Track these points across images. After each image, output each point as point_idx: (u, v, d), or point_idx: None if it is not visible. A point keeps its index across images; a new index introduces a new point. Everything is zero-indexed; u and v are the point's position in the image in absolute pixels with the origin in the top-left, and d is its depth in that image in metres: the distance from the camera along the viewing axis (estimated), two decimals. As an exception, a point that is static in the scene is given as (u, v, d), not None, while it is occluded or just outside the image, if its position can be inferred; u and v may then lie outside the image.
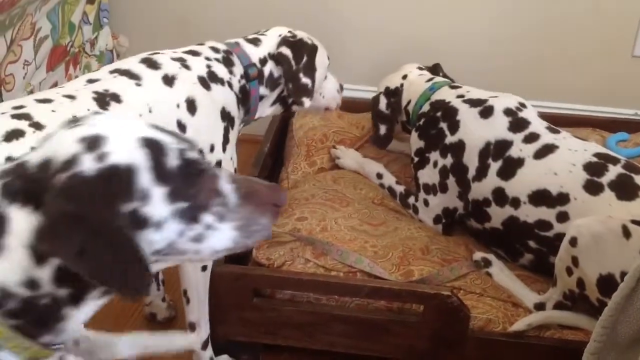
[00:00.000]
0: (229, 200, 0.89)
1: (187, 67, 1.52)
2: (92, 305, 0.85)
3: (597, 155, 1.74)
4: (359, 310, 1.71)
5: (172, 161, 0.83)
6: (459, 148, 1.89)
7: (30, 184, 0.79)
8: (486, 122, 1.86)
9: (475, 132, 1.86)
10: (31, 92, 2.12)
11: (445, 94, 2.00)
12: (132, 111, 1.37)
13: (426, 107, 2.02)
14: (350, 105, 2.49)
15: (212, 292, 1.65)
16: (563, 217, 1.69)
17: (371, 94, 2.48)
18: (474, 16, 2.54)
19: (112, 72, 1.45)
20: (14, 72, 2.02)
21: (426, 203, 1.97)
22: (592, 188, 1.67)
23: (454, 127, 1.91)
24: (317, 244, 1.78)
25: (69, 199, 0.76)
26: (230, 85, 1.59)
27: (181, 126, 1.45)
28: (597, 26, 2.49)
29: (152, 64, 1.48)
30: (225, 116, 1.57)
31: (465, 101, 1.93)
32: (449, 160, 1.91)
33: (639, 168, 1.71)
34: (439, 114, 1.96)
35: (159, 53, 1.53)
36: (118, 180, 0.78)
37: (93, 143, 0.80)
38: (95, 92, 1.35)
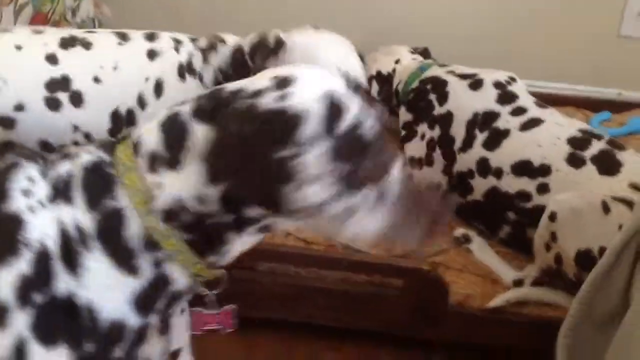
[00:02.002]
0: (392, 187, 0.88)
1: (177, 50, 1.52)
2: (251, 236, 0.90)
3: (581, 130, 1.76)
4: (339, 283, 1.72)
5: (346, 122, 0.84)
6: (447, 119, 1.89)
7: (217, 104, 0.85)
8: (475, 93, 1.88)
9: (464, 102, 1.88)
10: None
11: (436, 71, 2.01)
12: (94, 60, 1.43)
13: (416, 84, 2.03)
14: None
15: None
16: (543, 189, 1.70)
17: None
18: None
19: (112, 32, 1.51)
20: (-7, 38, 1.98)
21: None
22: (575, 161, 1.68)
23: (444, 98, 1.91)
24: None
25: (240, 124, 0.81)
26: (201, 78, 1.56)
27: (141, 102, 1.45)
28: (584, 6, 2.48)
29: (149, 36, 1.51)
30: None
31: (456, 75, 1.94)
32: (436, 132, 1.91)
33: (622, 145, 1.72)
34: (429, 86, 1.97)
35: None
36: (286, 122, 0.81)
37: (283, 82, 0.85)
38: (71, 36, 1.45)
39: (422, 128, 1.95)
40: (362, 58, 2.02)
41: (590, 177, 1.64)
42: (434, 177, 1.94)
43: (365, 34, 2.48)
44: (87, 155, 0.88)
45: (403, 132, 2.02)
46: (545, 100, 2.01)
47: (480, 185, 1.82)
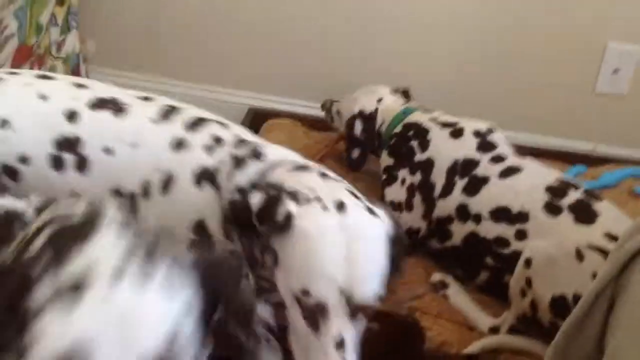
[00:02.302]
0: None
1: (210, 150, 1.31)
2: None
3: (559, 180, 1.80)
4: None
5: None
6: (427, 166, 1.92)
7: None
8: (456, 142, 1.92)
9: (445, 150, 1.91)
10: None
11: (418, 117, 2.04)
12: (116, 129, 1.31)
13: (398, 129, 2.05)
14: (316, 123, 2.51)
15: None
16: (521, 235, 1.72)
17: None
18: (440, 48, 2.58)
19: (157, 104, 1.37)
20: (-24, 69, 1.98)
21: None
22: (552, 209, 1.71)
23: (425, 145, 1.94)
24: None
25: None
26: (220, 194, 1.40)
27: (146, 191, 1.28)
28: (561, 61, 2.55)
29: (192, 123, 1.32)
30: None
31: (437, 123, 1.98)
32: (417, 178, 1.93)
33: (599, 196, 1.75)
34: (410, 132, 2.00)
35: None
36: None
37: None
38: (109, 98, 1.35)
39: (403, 173, 1.97)
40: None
41: (566, 226, 1.66)
42: (414, 222, 1.95)
43: (345, 73, 2.55)
44: None
45: (384, 176, 2.04)
46: (521, 151, 2.05)
47: (459, 231, 1.84)
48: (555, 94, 2.59)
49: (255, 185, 1.18)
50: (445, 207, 1.87)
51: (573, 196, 1.72)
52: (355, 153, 2.17)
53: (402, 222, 1.94)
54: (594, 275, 1.34)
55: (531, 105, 2.61)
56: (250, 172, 1.22)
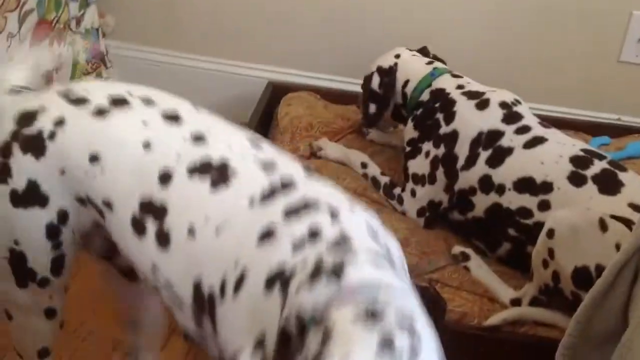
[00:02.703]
0: None
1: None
2: None
3: (584, 150, 1.77)
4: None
5: None
6: (452, 138, 1.90)
7: None
8: (481, 113, 1.89)
9: (470, 122, 1.89)
10: (13, 65, 2.09)
11: (446, 83, 2.00)
12: (206, 205, 1.06)
13: (426, 96, 2.01)
14: (336, 97, 2.50)
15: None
16: (544, 206, 1.71)
17: (357, 86, 2.48)
18: (462, 16, 2.55)
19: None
20: (-3, 44, 1.99)
21: (413, 193, 1.97)
22: (576, 180, 1.69)
23: (450, 118, 1.92)
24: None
25: None
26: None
27: (223, 290, 1.02)
28: (584, 30, 2.50)
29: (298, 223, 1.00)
30: None
31: (464, 93, 1.95)
32: (441, 151, 1.92)
33: (624, 167, 1.73)
34: (437, 104, 1.97)
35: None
36: None
37: None
38: (219, 162, 1.09)
39: (427, 146, 1.95)
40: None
41: (590, 196, 1.65)
42: (436, 195, 1.94)
43: (365, 44, 2.52)
44: None
45: (408, 148, 2.02)
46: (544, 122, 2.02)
47: (482, 202, 1.83)
48: (579, 64, 2.55)
49: (315, 320, 0.86)
50: (468, 178, 1.85)
51: (598, 166, 1.70)
52: (372, 108, 2.13)
53: (424, 194, 1.96)
54: (618, 246, 1.33)
55: (554, 75, 2.57)
56: (318, 294, 0.89)
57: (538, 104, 2.51)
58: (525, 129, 1.84)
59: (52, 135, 1.14)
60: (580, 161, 1.72)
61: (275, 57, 2.66)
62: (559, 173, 1.71)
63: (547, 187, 1.71)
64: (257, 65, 2.67)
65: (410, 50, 2.19)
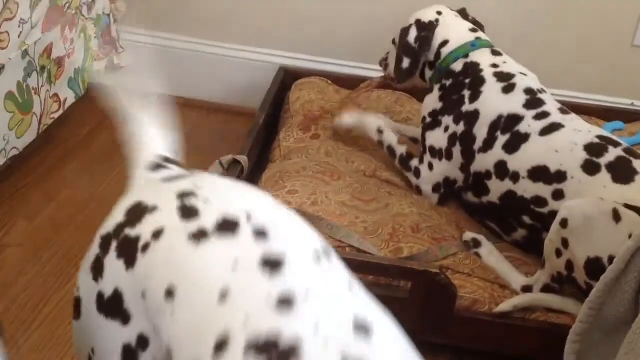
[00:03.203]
0: None
1: None
2: None
3: (599, 137, 1.75)
4: (347, 284, 1.71)
5: None
6: (473, 117, 1.89)
7: None
8: (505, 97, 1.87)
9: (492, 104, 1.87)
10: (25, 51, 2.10)
11: (483, 58, 1.96)
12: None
13: (458, 65, 1.96)
14: (347, 82, 2.49)
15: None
16: (558, 195, 1.70)
17: (369, 71, 2.48)
18: (474, 1, 2.52)
19: None
20: (9, 30, 1.99)
21: (430, 166, 1.96)
22: (590, 168, 1.68)
23: (475, 96, 1.90)
24: (307, 218, 1.77)
25: None
26: None
27: None
28: (597, 13, 2.48)
29: None
30: None
31: (496, 74, 1.91)
32: (460, 128, 1.90)
33: (638, 154, 1.71)
34: (467, 80, 1.93)
35: None
36: None
37: None
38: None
39: (447, 120, 1.93)
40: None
41: (604, 185, 1.63)
42: (451, 172, 1.94)
43: (376, 29, 2.51)
44: None
45: (428, 119, 1.99)
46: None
47: (497, 187, 1.82)
48: (591, 47, 2.53)
49: None
50: (484, 161, 1.85)
51: (612, 154, 1.69)
52: (406, 63, 2.04)
53: (440, 169, 1.95)
54: (631, 237, 1.32)
55: (566, 59, 2.55)
56: None
57: (550, 89, 2.49)
58: (543, 115, 1.82)
59: (145, 247, 0.89)
60: (594, 149, 1.70)
61: (287, 42, 2.65)
62: (572, 161, 1.70)
63: (560, 175, 1.70)
64: (268, 50, 2.67)
65: (451, 10, 2.10)
